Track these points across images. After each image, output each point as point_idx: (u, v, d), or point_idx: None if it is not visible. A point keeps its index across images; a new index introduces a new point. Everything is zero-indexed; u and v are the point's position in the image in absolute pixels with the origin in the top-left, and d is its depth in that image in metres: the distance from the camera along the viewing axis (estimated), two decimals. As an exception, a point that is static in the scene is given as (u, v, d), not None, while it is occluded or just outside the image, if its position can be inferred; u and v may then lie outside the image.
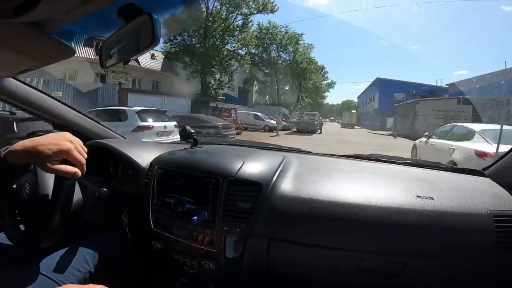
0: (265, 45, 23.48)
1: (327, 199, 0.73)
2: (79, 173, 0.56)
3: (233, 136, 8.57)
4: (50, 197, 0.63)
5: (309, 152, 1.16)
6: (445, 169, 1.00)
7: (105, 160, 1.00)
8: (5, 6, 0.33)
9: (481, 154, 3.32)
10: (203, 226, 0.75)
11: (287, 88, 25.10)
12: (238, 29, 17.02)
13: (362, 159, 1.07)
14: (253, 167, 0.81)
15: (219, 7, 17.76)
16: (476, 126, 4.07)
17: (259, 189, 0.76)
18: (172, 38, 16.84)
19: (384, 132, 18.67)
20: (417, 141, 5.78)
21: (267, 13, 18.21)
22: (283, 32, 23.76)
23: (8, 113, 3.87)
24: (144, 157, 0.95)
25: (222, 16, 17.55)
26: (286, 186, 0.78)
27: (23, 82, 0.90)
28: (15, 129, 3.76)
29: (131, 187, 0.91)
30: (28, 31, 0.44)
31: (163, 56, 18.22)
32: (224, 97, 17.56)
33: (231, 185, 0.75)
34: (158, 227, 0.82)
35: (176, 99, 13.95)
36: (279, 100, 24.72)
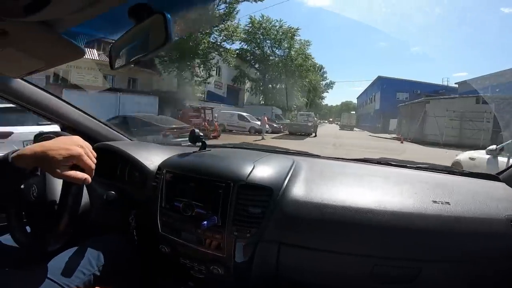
0: (258, 40, 22.10)
1: (339, 204, 0.73)
2: (89, 179, 0.57)
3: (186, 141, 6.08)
4: (57, 199, 0.63)
5: (317, 155, 1.16)
6: (459, 173, 1.00)
7: (112, 162, 1.00)
8: (16, 5, 0.34)
9: None
10: (212, 231, 0.75)
11: (281, 86, 23.82)
12: (221, 18, 14.36)
13: (371, 163, 1.07)
14: (264, 171, 0.82)
15: (200, -7, 14.94)
16: None
17: (270, 193, 0.77)
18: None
19: (387, 135, 17.48)
20: (463, 156, 4.09)
21: (255, 0, 16.75)
22: (277, 27, 22.27)
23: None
24: (152, 159, 0.95)
25: (203, 3, 14.88)
26: (298, 190, 0.79)
27: (31, 83, 0.91)
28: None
29: (138, 190, 0.92)
30: (38, 31, 0.45)
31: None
32: (202, 95, 14.77)
33: (242, 189, 0.76)
34: (165, 231, 0.83)
35: (140, 97, 12.75)
36: (273, 99, 23.49)
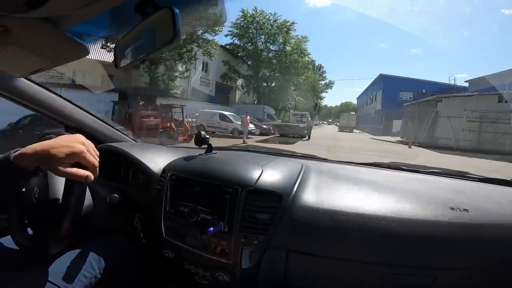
0: (251, 35, 20.67)
1: (352, 211, 0.72)
2: (92, 176, 0.57)
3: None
4: (60, 201, 0.64)
5: (325, 159, 1.15)
6: (476, 179, 0.98)
7: (116, 164, 0.99)
8: (18, 0, 0.34)
9: None
10: (218, 237, 0.75)
11: (276, 84, 22.38)
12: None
13: (381, 167, 1.06)
14: (272, 176, 0.81)
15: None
16: None
17: (279, 199, 0.76)
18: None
19: (391, 138, 16.03)
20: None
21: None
22: (271, 21, 20.85)
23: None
24: (156, 162, 0.94)
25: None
26: (308, 196, 0.78)
27: (35, 82, 0.91)
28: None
29: (142, 192, 0.91)
30: (41, 29, 0.45)
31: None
32: (183, 92, 12.58)
33: (250, 195, 0.76)
34: (169, 236, 0.82)
35: (99, 96, 11.17)
36: (267, 98, 21.97)
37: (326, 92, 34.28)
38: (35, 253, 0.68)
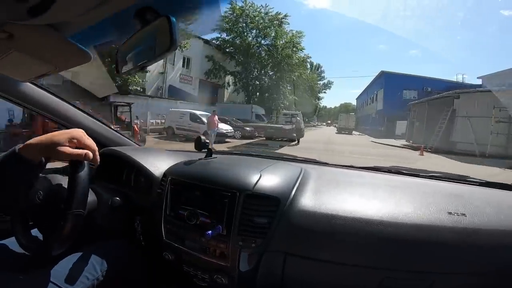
0: (240, 29, 18.82)
1: (350, 215, 0.74)
2: (90, 154, 0.66)
3: None
4: (63, 204, 0.66)
5: (325, 163, 1.16)
6: (476, 183, 0.99)
7: (118, 168, 1.03)
8: (20, 8, 0.35)
9: None
10: (217, 240, 0.78)
11: (268, 82, 20.46)
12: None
13: (382, 171, 1.09)
14: (271, 180, 0.84)
15: None
16: None
17: (277, 203, 0.79)
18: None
19: (394, 141, 14.11)
20: None
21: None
22: (262, 14, 19.05)
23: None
24: (157, 166, 0.98)
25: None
26: (306, 200, 0.80)
27: (40, 87, 0.95)
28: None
29: (144, 196, 0.95)
30: (44, 35, 0.47)
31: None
32: (139, 89, 10.40)
33: (248, 199, 0.79)
34: (169, 238, 0.86)
35: None
36: (257, 97, 20.13)
37: (325, 92, 34.63)
38: (38, 255, 0.71)
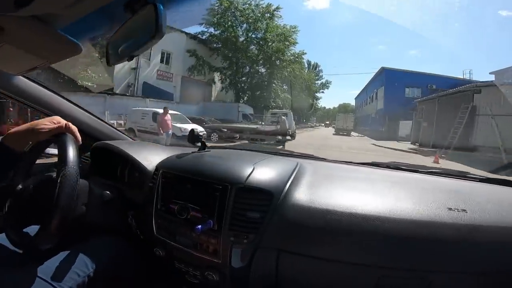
0: (229, 23, 17.05)
1: (346, 210, 0.73)
2: (71, 124, 0.71)
3: None
4: (51, 198, 0.66)
5: (323, 158, 1.14)
6: (476, 179, 0.98)
7: (112, 162, 1.02)
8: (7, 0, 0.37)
9: None
10: (208, 235, 0.77)
11: (256, 79, 18.82)
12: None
13: (380, 167, 1.07)
14: (264, 173, 0.83)
15: None
16: None
17: (270, 198, 0.78)
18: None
19: (398, 144, 12.06)
20: None
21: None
22: (252, 6, 17.27)
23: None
24: (150, 159, 0.96)
25: None
26: (300, 195, 0.79)
27: (33, 80, 0.95)
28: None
29: (137, 190, 0.94)
30: (34, 27, 0.47)
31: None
32: (94, 85, 8.56)
33: (240, 192, 0.77)
34: (160, 234, 0.85)
35: None
36: (247, 95, 18.28)
37: (323, 92, 33.00)
38: (29, 251, 0.71)
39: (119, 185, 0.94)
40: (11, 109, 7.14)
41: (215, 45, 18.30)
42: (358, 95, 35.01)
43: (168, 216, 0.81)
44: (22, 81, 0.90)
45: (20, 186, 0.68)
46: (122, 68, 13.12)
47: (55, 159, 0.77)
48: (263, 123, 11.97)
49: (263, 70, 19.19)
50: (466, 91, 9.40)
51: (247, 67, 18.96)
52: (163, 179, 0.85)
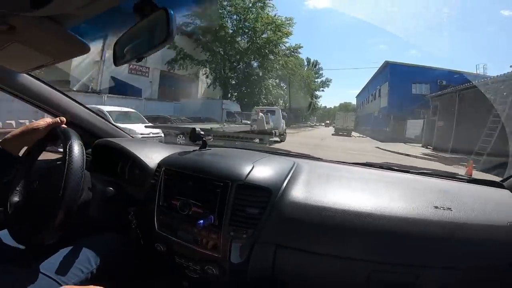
0: (214, 12, 15.33)
1: (339, 207, 0.80)
2: (65, 119, 0.77)
3: None
4: (55, 194, 0.69)
5: (319, 158, 1.21)
6: (463, 180, 1.07)
7: (113, 159, 1.07)
8: (24, 0, 0.37)
9: None
10: (208, 230, 0.83)
11: (245, 74, 16.68)
12: None
13: (374, 167, 1.14)
14: (263, 171, 0.89)
15: None
16: None
17: (268, 194, 0.83)
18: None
19: (407, 147, 10.22)
20: None
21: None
22: None
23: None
24: (152, 157, 1.01)
25: None
26: (297, 192, 0.85)
27: (37, 78, 0.99)
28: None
29: (138, 187, 0.99)
30: (45, 26, 0.48)
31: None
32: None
33: (240, 189, 0.83)
34: (162, 229, 0.91)
35: None
36: (237, 92, 16.31)
37: (323, 90, 32.13)
38: (32, 246, 0.75)
39: (120, 182, 0.99)
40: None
41: (201, 37, 17.23)
42: (359, 94, 34.69)
43: (170, 212, 0.86)
44: (26, 79, 0.94)
45: (23, 182, 0.72)
46: (82, 61, 10.90)
47: (54, 156, 0.90)
48: (242, 121, 10.27)
49: (254, 63, 18.14)
50: (504, 80, 7.00)
51: (235, 61, 17.66)
52: (165, 176, 0.91)
